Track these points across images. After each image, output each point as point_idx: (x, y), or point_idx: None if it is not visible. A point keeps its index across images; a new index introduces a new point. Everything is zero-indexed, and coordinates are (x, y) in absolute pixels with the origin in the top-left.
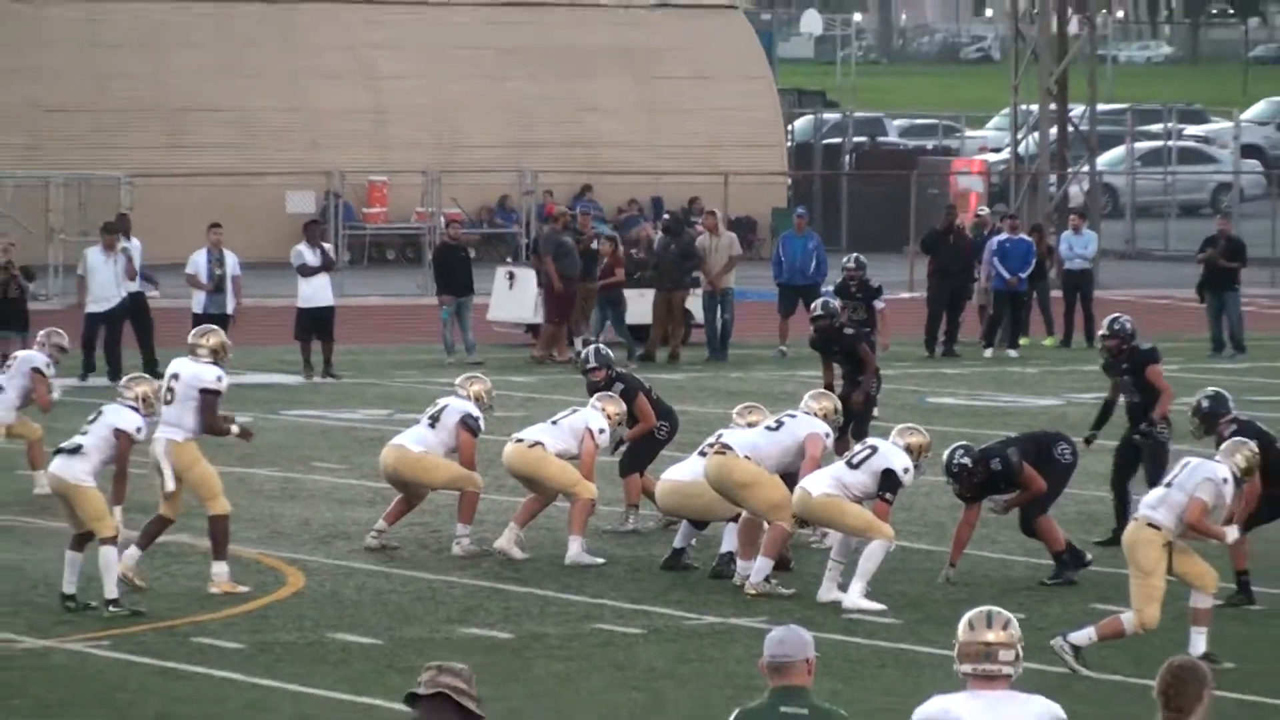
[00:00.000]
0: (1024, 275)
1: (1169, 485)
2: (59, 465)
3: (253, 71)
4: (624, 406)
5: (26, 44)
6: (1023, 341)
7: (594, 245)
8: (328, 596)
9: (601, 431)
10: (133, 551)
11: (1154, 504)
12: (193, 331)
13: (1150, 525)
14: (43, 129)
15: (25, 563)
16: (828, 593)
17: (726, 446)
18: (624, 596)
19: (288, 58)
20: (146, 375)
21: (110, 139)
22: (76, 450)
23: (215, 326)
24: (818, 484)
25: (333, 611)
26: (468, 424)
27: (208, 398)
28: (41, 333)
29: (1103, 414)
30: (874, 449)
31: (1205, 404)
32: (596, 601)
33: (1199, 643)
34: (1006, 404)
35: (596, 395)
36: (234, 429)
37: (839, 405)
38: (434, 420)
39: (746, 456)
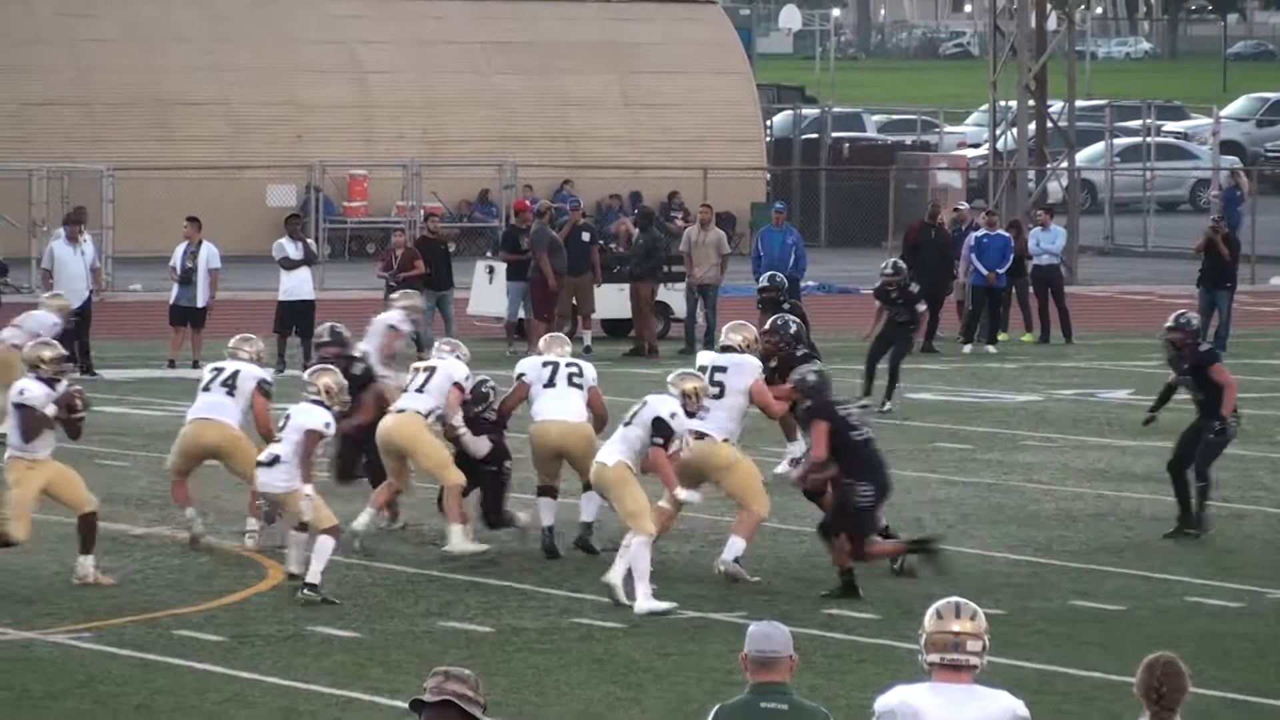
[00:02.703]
0: (1001, 271)
1: None
2: (264, 479)
3: (239, 65)
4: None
5: (13, 38)
6: (1001, 337)
7: (584, 238)
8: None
9: (467, 379)
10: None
11: None
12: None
13: None
14: (29, 123)
15: (7, 555)
16: (616, 575)
17: (702, 435)
18: (604, 590)
19: (274, 52)
20: (330, 366)
21: (97, 132)
22: (274, 462)
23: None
24: (610, 454)
25: (313, 605)
26: (263, 389)
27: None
28: (29, 345)
29: (1162, 397)
30: (645, 402)
31: None
32: (576, 595)
33: None
34: (985, 399)
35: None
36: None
37: (755, 333)
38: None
39: (725, 440)
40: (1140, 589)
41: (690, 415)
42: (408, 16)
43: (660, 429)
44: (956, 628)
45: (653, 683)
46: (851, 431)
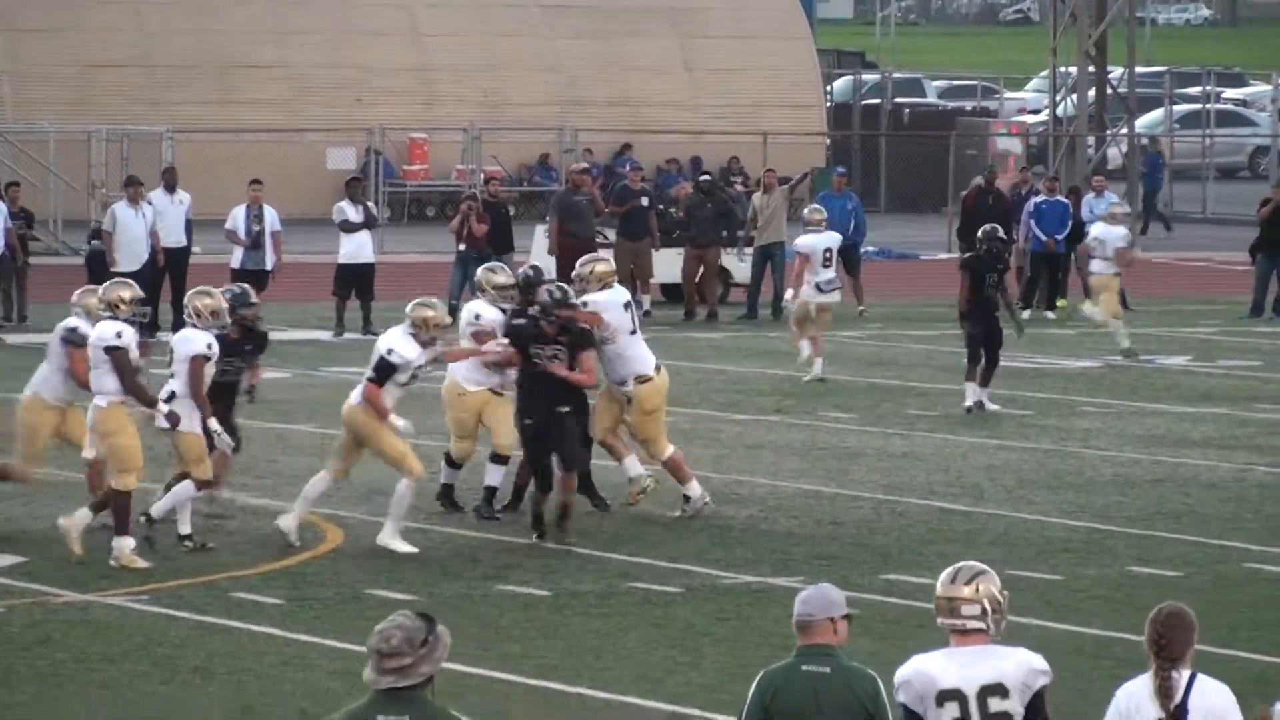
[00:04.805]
0: (1061, 237)
1: None
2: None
3: (300, 28)
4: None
5: (76, 1)
6: (1060, 303)
7: (643, 202)
8: (366, 553)
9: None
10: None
11: None
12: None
13: None
14: (90, 85)
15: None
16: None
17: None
18: (662, 555)
19: (335, 14)
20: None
21: (158, 94)
22: (171, 398)
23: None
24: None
25: (371, 567)
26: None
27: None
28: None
29: None
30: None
31: None
32: (634, 560)
33: None
34: (1043, 365)
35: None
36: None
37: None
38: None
39: None
40: (1198, 555)
41: (425, 345)
42: None
43: (379, 367)
44: (951, 593)
45: (711, 647)
46: None
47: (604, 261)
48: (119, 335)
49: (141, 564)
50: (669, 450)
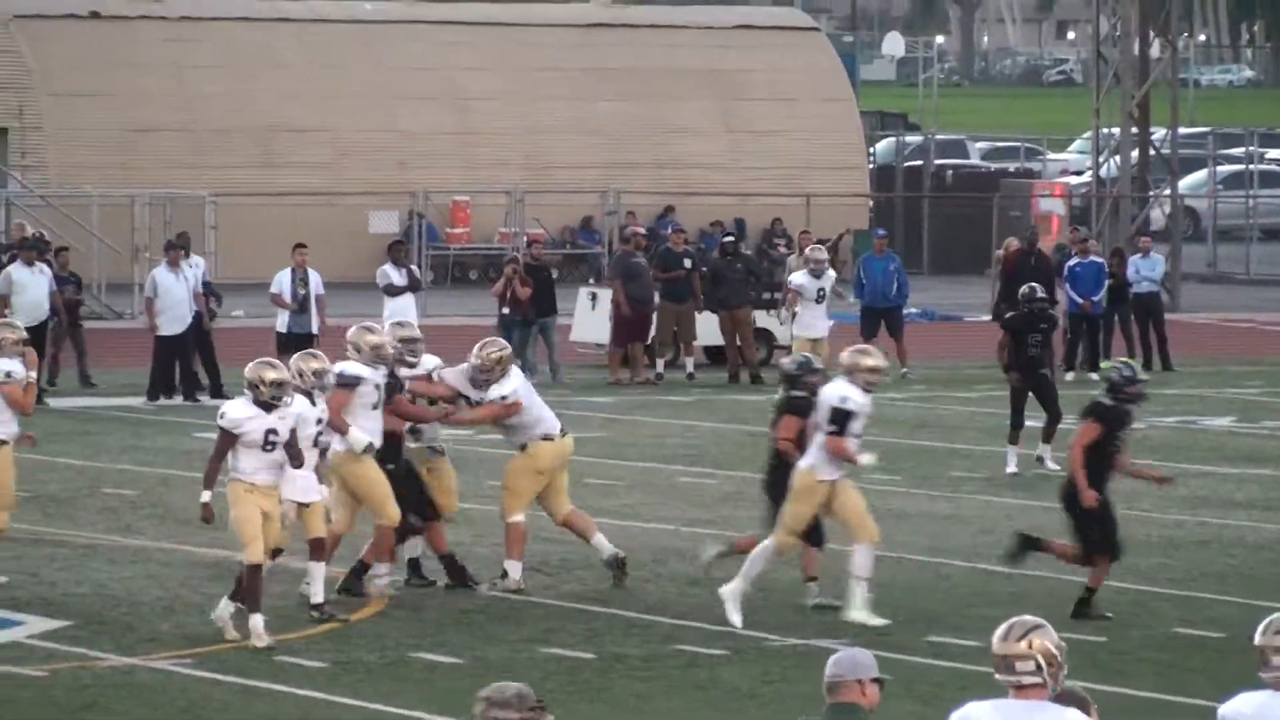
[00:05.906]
0: (1097, 298)
1: None
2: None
3: (341, 92)
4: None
5: (117, 66)
6: (1103, 364)
7: (686, 264)
8: (410, 616)
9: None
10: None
11: None
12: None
13: None
14: (133, 150)
15: (110, 581)
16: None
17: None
18: (708, 618)
19: (376, 78)
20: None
21: (199, 159)
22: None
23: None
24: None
25: (415, 631)
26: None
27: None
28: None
29: None
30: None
31: None
32: (679, 623)
33: None
34: None
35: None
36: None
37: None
38: None
39: None
40: (1243, 617)
41: (866, 390)
42: (509, 43)
43: (835, 418)
44: (1005, 650)
45: (756, 710)
46: None
47: (496, 346)
48: (222, 415)
49: (265, 641)
50: (518, 516)
